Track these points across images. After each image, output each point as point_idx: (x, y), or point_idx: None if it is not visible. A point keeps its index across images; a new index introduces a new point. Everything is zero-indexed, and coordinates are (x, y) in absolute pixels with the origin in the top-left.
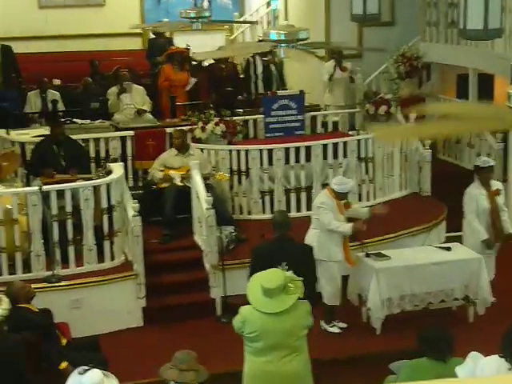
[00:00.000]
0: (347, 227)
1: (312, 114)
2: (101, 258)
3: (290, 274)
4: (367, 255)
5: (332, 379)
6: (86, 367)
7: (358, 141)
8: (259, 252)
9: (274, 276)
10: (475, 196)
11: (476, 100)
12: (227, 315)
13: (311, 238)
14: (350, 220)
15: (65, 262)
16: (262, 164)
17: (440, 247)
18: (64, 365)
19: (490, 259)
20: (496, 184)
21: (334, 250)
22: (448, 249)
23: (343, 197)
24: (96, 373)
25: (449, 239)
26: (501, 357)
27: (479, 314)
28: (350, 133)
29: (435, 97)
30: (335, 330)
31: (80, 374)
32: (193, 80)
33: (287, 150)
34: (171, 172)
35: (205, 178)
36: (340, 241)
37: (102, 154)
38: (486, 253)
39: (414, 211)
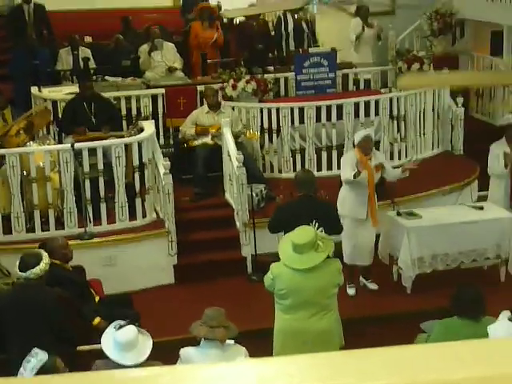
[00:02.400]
0: (350, 173)
1: (343, 71)
2: (132, 216)
3: (320, 232)
4: (398, 214)
5: (362, 338)
6: (122, 323)
7: (390, 99)
8: (283, 209)
9: (304, 232)
10: (497, 153)
11: (510, 56)
12: (258, 273)
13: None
14: (383, 182)
15: (97, 219)
16: (293, 122)
17: (472, 206)
18: (97, 320)
19: None
20: None
21: (357, 206)
22: (480, 208)
23: (366, 150)
24: (131, 329)
25: (481, 198)
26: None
27: (511, 274)
28: (382, 90)
29: (469, 54)
30: (350, 291)
31: (115, 329)
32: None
33: (318, 108)
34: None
35: (236, 136)
36: (365, 198)
37: (134, 111)
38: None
39: (447, 170)
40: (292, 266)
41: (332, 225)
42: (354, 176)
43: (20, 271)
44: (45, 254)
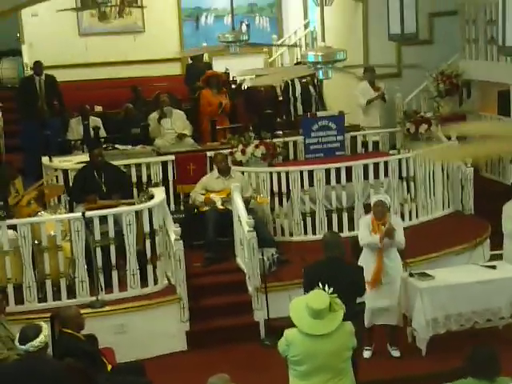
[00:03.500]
0: (375, 238)
1: (352, 134)
2: (144, 283)
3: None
4: (411, 275)
5: None
6: None
7: (399, 160)
8: (310, 272)
9: (320, 296)
10: (510, 214)
11: None
12: (271, 338)
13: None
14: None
15: (108, 287)
16: (302, 185)
17: (485, 265)
18: None
19: None
20: None
21: (368, 270)
22: (493, 267)
23: (379, 215)
24: None
25: (493, 257)
26: None
27: None
28: (391, 152)
29: (476, 114)
30: (365, 354)
31: None
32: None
33: (328, 170)
34: (212, 195)
35: (246, 200)
36: (373, 261)
37: (144, 178)
38: None
39: (458, 230)
40: (314, 332)
41: (356, 288)
42: (380, 240)
43: (20, 344)
44: (44, 326)
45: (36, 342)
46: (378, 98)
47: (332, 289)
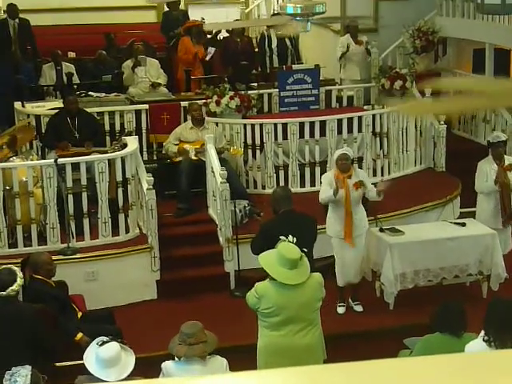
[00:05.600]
0: (330, 191)
1: (327, 88)
2: (115, 231)
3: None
4: (381, 230)
5: (345, 353)
6: (105, 339)
7: (373, 115)
8: (269, 228)
9: (291, 247)
10: (485, 171)
11: (492, 75)
12: (241, 289)
13: None
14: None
15: (80, 235)
16: (276, 138)
17: (454, 222)
18: (79, 336)
19: (504, 234)
20: (509, 159)
21: (337, 226)
22: (463, 224)
23: (343, 169)
24: (114, 345)
25: (463, 215)
26: (484, 340)
27: (493, 290)
28: (365, 107)
29: (451, 72)
30: (339, 310)
31: (98, 345)
32: (212, 49)
33: (302, 124)
34: (186, 145)
35: (219, 152)
36: (342, 216)
37: (117, 127)
38: (498, 228)
39: (429, 186)
40: (293, 282)
41: (314, 237)
42: (334, 194)
43: None
44: (18, 270)
45: (15, 287)
46: (358, 47)
47: (295, 239)
